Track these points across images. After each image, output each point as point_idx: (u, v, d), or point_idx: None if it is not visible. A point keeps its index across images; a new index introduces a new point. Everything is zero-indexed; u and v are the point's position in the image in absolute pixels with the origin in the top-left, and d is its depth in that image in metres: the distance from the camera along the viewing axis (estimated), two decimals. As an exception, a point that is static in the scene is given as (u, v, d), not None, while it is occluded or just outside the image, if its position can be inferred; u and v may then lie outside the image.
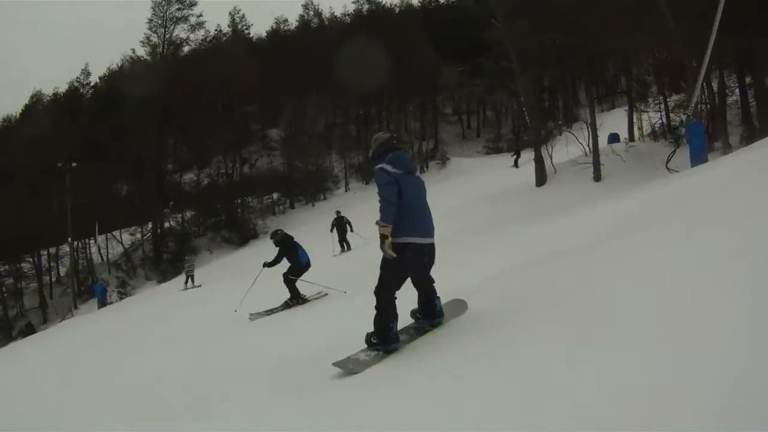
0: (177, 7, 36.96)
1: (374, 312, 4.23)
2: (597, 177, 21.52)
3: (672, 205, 6.62)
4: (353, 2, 51.07)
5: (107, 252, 36.61)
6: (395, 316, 4.26)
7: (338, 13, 49.70)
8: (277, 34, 47.92)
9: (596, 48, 22.28)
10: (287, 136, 37.89)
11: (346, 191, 37.55)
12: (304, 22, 47.75)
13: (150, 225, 35.51)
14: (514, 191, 23.41)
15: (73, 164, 32.63)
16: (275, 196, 37.23)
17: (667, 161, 19.97)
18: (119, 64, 41.88)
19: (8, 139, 37.15)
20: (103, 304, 28.57)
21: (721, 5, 14.58)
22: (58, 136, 34.44)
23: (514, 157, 32.80)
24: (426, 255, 4.35)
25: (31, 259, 35.61)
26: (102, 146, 34.94)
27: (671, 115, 25.39)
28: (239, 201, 35.82)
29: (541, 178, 23.12)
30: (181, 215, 36.14)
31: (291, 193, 36.73)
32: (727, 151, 17.17)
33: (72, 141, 34.02)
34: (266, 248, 23.71)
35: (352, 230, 19.02)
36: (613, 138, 24.80)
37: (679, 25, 17.73)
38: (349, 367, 4.12)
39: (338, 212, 20.34)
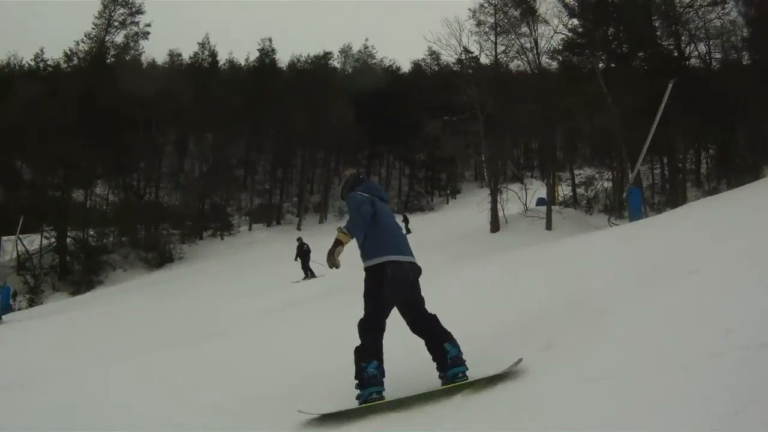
0: (123, 11, 35.76)
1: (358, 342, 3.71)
2: (549, 226, 24.96)
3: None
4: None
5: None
6: (374, 355, 3.62)
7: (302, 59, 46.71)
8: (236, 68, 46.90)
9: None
10: (208, 167, 37.58)
11: (249, 230, 38.00)
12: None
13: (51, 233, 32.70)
14: (472, 235, 25.99)
15: None
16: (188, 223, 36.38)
17: (609, 218, 24.12)
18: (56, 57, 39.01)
19: None
20: (6, 309, 26.04)
21: (661, 109, 18.75)
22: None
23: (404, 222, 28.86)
24: (410, 272, 3.88)
25: None
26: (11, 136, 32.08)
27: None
28: (157, 224, 34.52)
29: (495, 226, 26.00)
30: (85, 229, 33.84)
31: (200, 225, 36.29)
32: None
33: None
34: (181, 273, 24.03)
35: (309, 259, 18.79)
36: (542, 201, 28.70)
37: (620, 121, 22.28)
38: (312, 415, 3.57)
39: (300, 239, 20.35)
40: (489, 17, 28.94)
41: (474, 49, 29.92)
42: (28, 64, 40.88)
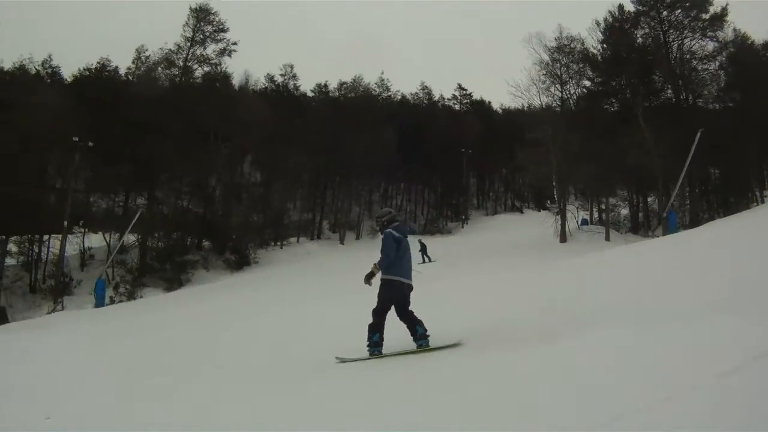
0: (209, 27, 38.33)
1: (371, 320, 6.44)
2: (607, 238, 32.41)
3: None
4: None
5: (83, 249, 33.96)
6: (379, 330, 6.36)
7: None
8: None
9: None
10: (267, 178, 40.78)
11: (297, 241, 41.46)
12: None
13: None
14: (540, 244, 32.59)
15: (90, 143, 31.39)
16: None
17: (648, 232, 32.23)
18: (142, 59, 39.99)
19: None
20: (101, 302, 28.02)
21: (692, 151, 26.83)
22: (72, 112, 32.43)
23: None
24: (407, 288, 6.45)
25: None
26: (111, 138, 33.70)
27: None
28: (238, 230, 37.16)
29: (563, 237, 33.06)
30: (160, 232, 35.61)
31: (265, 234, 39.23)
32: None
33: (83, 122, 32.30)
34: (259, 276, 28.71)
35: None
36: (584, 221, 36.51)
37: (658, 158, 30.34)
38: (342, 359, 6.58)
39: (420, 241, 23.24)
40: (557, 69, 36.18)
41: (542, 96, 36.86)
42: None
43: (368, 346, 6.37)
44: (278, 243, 39.20)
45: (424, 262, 26.24)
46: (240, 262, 35.94)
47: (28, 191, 30.06)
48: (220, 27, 38.34)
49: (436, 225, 46.26)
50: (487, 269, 20.33)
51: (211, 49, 38.36)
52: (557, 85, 36.60)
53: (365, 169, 42.18)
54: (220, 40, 38.25)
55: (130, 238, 33.54)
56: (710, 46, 34.31)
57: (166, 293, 31.73)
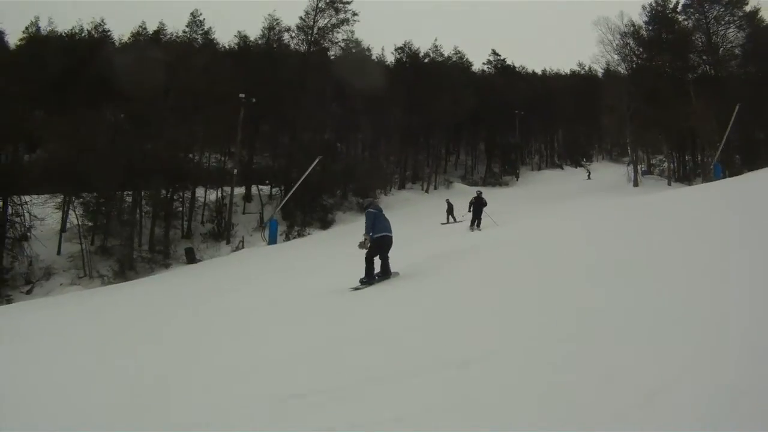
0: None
1: (365, 265, 10.01)
2: (669, 183, 42.24)
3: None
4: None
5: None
6: (373, 269, 10.06)
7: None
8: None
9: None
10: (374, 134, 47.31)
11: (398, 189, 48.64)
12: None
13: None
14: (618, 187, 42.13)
15: (253, 99, 37.27)
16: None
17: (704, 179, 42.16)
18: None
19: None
20: (274, 240, 34.41)
21: (731, 121, 37.24)
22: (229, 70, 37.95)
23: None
24: (389, 240, 10.24)
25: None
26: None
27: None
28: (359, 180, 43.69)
29: (635, 182, 42.57)
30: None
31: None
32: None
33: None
34: (392, 214, 38.69)
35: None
36: (645, 171, 46.23)
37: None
38: (355, 287, 9.98)
39: (478, 192, 24.57)
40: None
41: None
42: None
43: (366, 277, 10.15)
44: (384, 192, 46.14)
45: (448, 222, 30.43)
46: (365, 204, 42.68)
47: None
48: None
49: (495, 178, 54.42)
50: (595, 203, 28.09)
51: (334, 19, 43.99)
52: (622, 62, 45.67)
53: (443, 128, 49.54)
54: (344, 11, 43.88)
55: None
56: (740, 35, 44.43)
57: (323, 231, 38.48)
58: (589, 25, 46.68)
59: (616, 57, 46.70)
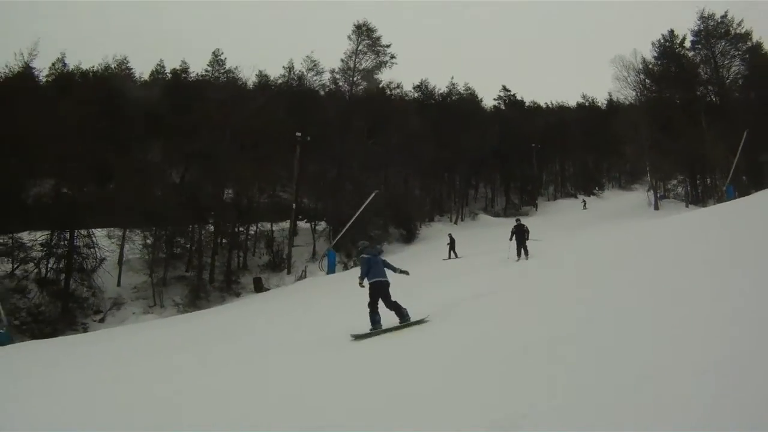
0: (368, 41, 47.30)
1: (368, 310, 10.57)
2: (687, 205, 45.78)
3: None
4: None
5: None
6: (374, 314, 10.49)
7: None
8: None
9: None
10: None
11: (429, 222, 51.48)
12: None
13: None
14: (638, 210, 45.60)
15: (308, 138, 40.15)
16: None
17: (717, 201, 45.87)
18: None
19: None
20: (332, 269, 37.25)
21: (740, 146, 41.47)
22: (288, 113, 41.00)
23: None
24: (385, 284, 10.62)
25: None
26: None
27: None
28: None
29: (656, 206, 46.11)
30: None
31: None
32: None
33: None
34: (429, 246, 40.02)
35: (527, 238, 22.36)
36: (662, 196, 49.85)
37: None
38: (357, 335, 10.47)
39: (518, 220, 24.35)
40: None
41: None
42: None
43: (371, 325, 10.64)
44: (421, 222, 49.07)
45: (449, 258, 31.79)
46: (409, 236, 45.31)
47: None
48: (379, 41, 47.60)
49: (515, 209, 57.76)
50: (625, 226, 31.68)
51: (371, 61, 47.38)
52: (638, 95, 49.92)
53: (467, 162, 52.90)
54: (383, 54, 47.35)
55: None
56: (742, 68, 49.04)
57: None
58: (588, 58, 50.07)
59: (632, 93, 51.11)
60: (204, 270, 38.12)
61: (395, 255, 42.01)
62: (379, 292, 10.57)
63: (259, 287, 37.07)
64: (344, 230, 39.05)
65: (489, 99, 69.03)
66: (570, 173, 69.25)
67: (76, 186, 36.70)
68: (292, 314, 20.49)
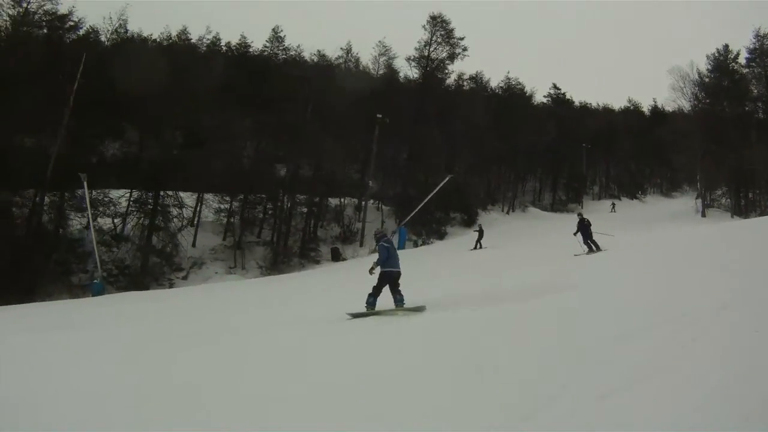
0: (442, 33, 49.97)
1: (368, 293, 11.01)
2: (732, 215, 48.20)
3: None
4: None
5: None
6: (374, 297, 10.93)
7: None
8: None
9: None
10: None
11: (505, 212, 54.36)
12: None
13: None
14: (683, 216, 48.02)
15: (387, 120, 42.96)
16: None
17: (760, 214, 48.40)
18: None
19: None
20: (402, 245, 38.86)
21: None
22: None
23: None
24: (396, 274, 11.03)
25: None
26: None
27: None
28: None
29: (703, 213, 48.60)
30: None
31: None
32: None
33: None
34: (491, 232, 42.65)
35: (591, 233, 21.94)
36: (707, 204, 52.42)
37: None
38: (353, 314, 11.08)
39: (580, 214, 23.92)
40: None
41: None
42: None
43: (366, 304, 11.18)
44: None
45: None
46: (469, 221, 47.92)
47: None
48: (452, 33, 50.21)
49: (561, 205, 60.60)
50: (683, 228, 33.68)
51: (443, 51, 49.87)
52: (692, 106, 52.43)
53: (523, 155, 55.57)
54: (457, 46, 49.92)
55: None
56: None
57: (440, 241, 43.59)
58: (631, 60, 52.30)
59: (687, 103, 53.50)
60: (282, 237, 40.93)
61: (459, 238, 44.72)
62: (391, 280, 11.02)
63: (336, 256, 40.07)
64: (417, 208, 41.63)
65: (537, 96, 69.80)
66: (612, 175, 71.93)
67: (167, 147, 39.30)
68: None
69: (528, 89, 64.23)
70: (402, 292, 11.00)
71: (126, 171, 37.61)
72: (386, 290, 11.04)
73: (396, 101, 46.74)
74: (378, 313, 10.95)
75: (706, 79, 54.64)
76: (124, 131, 40.77)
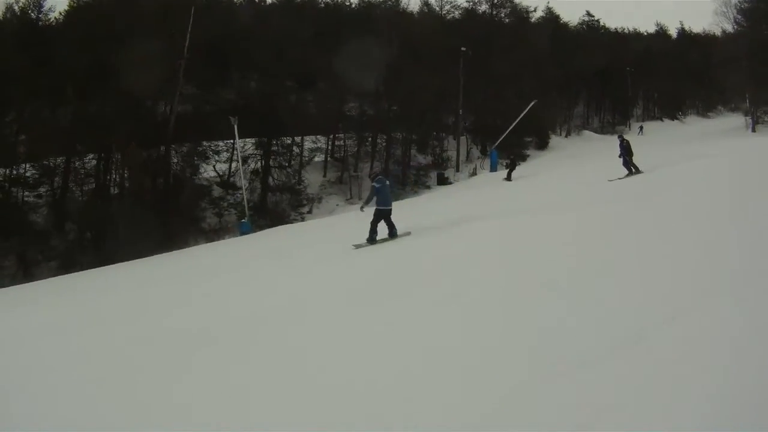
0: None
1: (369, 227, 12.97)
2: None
3: None
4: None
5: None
6: (375, 232, 12.83)
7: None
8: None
9: None
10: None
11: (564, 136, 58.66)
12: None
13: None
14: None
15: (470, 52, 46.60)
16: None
17: None
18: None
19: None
20: (494, 168, 43.64)
21: None
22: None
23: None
24: (389, 211, 13.00)
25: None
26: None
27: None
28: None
29: (753, 128, 53.27)
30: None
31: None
32: None
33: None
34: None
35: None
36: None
37: None
38: (357, 245, 13.04)
39: (620, 135, 23.90)
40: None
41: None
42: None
43: (367, 238, 13.07)
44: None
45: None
46: (542, 144, 52.20)
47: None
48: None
49: (610, 127, 65.03)
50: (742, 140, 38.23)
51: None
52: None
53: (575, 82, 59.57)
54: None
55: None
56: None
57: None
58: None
59: (730, 26, 57.29)
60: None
61: (534, 161, 48.79)
62: (384, 217, 13.08)
63: (442, 181, 44.41)
64: (506, 132, 45.62)
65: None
66: (654, 98, 76.50)
67: (283, 91, 43.05)
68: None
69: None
70: (395, 225, 13.29)
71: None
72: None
73: (472, 34, 50.32)
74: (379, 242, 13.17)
75: (745, 5, 58.27)
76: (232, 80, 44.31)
